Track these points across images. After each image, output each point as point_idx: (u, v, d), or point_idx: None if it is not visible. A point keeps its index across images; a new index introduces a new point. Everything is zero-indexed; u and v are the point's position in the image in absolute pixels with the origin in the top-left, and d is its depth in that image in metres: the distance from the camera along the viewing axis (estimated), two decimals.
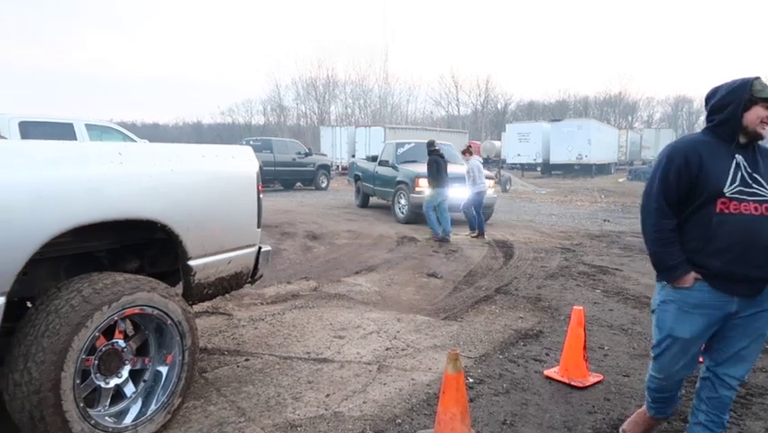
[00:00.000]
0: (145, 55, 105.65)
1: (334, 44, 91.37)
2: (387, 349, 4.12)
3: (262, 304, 5.29)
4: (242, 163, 3.55)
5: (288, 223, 11.03)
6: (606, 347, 4.30)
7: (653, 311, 2.59)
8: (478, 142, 40.60)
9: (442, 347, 4.18)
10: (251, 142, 18.98)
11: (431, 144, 10.06)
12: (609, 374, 3.76)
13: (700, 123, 68.64)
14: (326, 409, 3.12)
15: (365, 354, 4.00)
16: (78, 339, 2.40)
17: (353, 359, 3.91)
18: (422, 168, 12.03)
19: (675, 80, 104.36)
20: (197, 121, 75.05)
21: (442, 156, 9.85)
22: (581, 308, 3.75)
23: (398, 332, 4.52)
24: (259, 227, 3.63)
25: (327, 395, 3.30)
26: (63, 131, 8.83)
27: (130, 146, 3.14)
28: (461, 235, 10.02)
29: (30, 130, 8.00)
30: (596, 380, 3.63)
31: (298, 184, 21.49)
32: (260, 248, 3.65)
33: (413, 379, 3.59)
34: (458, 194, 11.41)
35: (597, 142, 31.39)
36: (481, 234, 9.90)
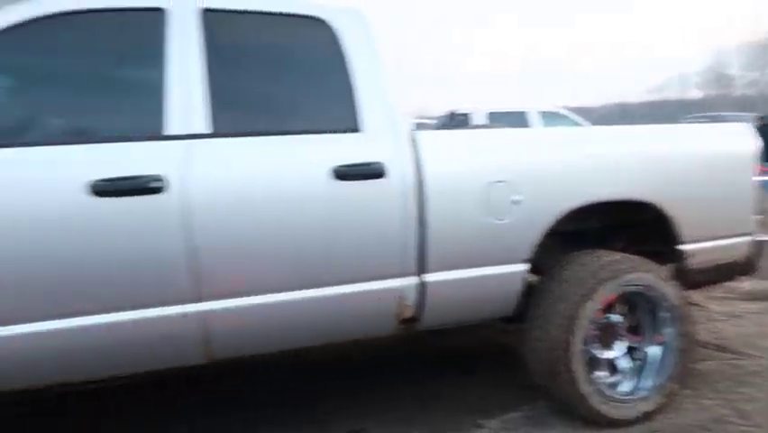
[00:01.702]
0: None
1: None
2: None
3: (736, 300, 4.74)
4: (736, 142, 3.24)
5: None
6: None
7: None
8: None
9: None
10: (693, 121, 17.13)
11: None
12: None
13: None
14: None
15: None
16: (585, 309, 2.62)
17: None
18: None
19: None
20: (621, 101, 72.15)
21: None
22: None
23: None
24: (754, 214, 3.25)
25: None
26: (518, 119, 9.86)
27: (625, 129, 3.25)
28: None
29: (495, 119, 9.21)
30: None
31: None
32: (755, 238, 3.27)
33: None
34: None
35: None
36: None
